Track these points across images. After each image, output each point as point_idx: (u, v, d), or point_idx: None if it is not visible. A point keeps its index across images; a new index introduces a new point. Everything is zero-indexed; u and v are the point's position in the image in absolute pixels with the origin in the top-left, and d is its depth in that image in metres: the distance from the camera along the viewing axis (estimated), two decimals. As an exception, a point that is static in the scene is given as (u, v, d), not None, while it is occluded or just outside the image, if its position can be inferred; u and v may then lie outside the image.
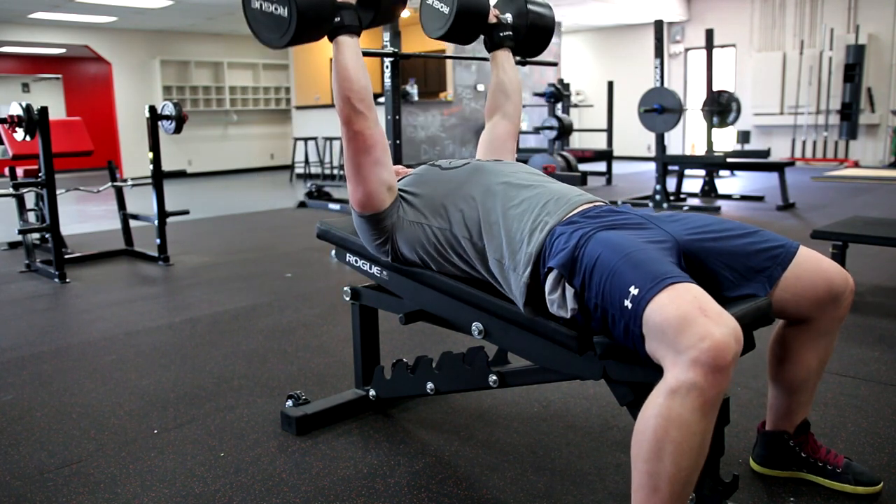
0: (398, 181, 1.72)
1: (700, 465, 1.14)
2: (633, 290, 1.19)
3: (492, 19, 2.00)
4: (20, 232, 4.09)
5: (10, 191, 4.09)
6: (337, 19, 1.54)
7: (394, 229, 1.64)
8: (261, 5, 1.51)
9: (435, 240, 1.58)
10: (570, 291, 1.32)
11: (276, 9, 1.48)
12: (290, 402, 2.04)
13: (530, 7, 2.04)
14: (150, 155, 4.44)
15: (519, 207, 1.48)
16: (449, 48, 9.66)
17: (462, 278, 1.62)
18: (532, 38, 2.07)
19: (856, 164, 10.01)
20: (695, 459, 1.12)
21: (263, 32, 1.54)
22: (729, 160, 6.97)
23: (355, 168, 1.59)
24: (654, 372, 1.19)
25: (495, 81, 2.04)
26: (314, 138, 10.00)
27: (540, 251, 1.40)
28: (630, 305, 1.19)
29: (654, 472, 1.12)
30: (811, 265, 1.44)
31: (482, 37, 2.05)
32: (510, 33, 2.02)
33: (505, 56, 2.03)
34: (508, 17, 2.03)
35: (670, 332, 1.11)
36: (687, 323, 1.10)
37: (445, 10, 1.91)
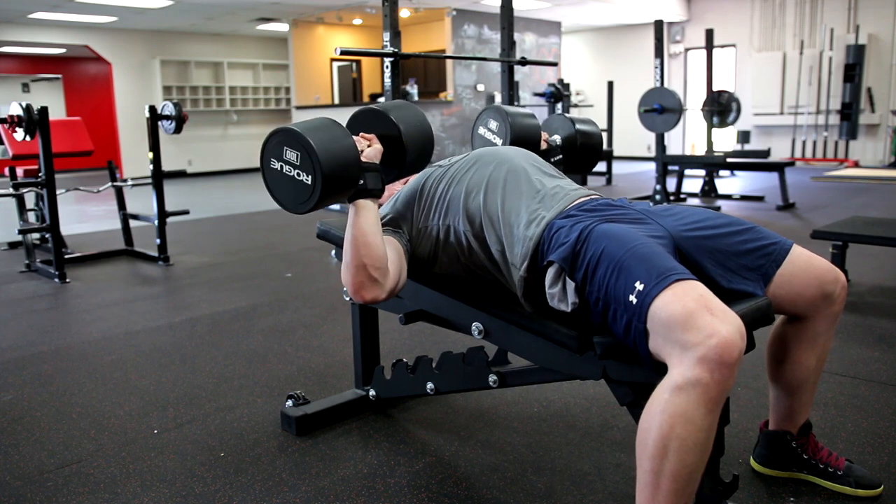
0: (398, 188, 1.72)
1: (705, 461, 1.14)
2: (639, 286, 1.19)
3: (542, 145, 1.97)
4: (20, 232, 4.09)
5: (10, 191, 4.09)
6: (361, 182, 1.44)
7: (412, 246, 1.63)
8: (282, 167, 1.39)
9: (442, 236, 1.58)
10: (570, 285, 1.32)
11: (297, 174, 1.36)
12: (290, 402, 2.04)
13: (578, 127, 2.03)
14: (150, 155, 4.44)
15: (517, 200, 1.48)
16: (449, 48, 9.66)
17: (463, 278, 1.62)
18: (581, 157, 2.05)
19: (856, 164, 10.01)
20: (700, 456, 1.12)
21: (283, 195, 1.41)
22: (729, 160, 6.97)
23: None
24: (654, 372, 1.19)
25: None
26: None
27: (537, 245, 1.40)
28: (635, 301, 1.19)
29: (658, 468, 1.12)
30: (804, 263, 1.45)
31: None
32: (561, 157, 2.00)
33: None
34: (557, 138, 2.01)
35: (676, 328, 1.12)
36: (693, 320, 1.10)
37: (499, 141, 1.91)
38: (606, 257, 1.26)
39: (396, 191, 1.76)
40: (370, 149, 1.51)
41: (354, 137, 1.49)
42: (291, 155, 1.37)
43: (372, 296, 1.43)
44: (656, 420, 1.12)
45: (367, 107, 1.61)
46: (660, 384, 1.14)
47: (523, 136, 1.88)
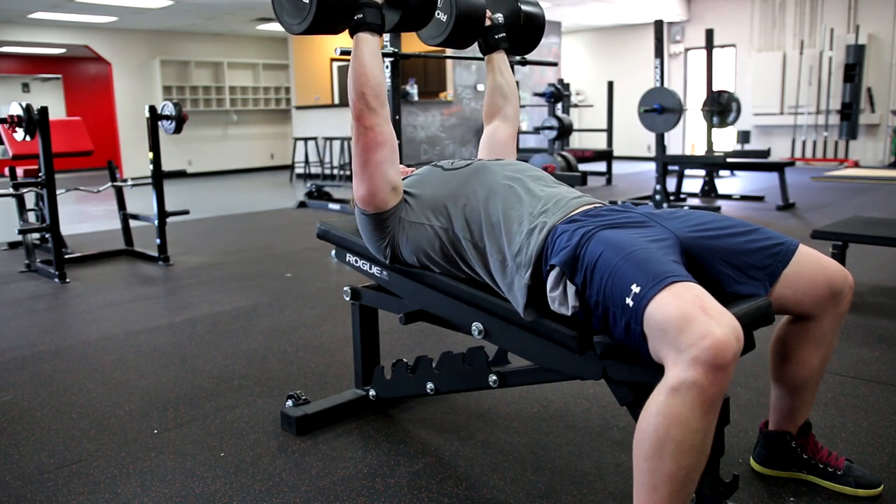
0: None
1: (702, 463, 1.14)
2: (635, 289, 1.19)
3: (486, 22, 1.98)
4: (20, 232, 4.09)
5: (10, 191, 4.09)
6: (359, 15, 1.54)
7: (396, 230, 1.63)
8: None
9: (437, 240, 1.58)
10: (571, 289, 1.32)
11: None
12: (290, 402, 2.04)
13: (522, 6, 2.03)
14: (150, 155, 4.43)
15: (519, 209, 1.48)
16: (448, 49, 9.66)
17: (462, 279, 1.62)
18: (525, 36, 2.07)
19: (856, 164, 10.01)
20: (696, 458, 1.12)
21: (285, 16, 1.56)
22: (729, 160, 6.97)
23: (362, 164, 1.58)
24: (654, 372, 1.19)
25: (492, 84, 2.03)
26: (314, 138, 9.99)
27: (541, 252, 1.40)
28: (631, 303, 1.19)
29: (655, 470, 1.12)
30: (811, 262, 1.44)
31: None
32: (504, 35, 2.01)
33: (501, 58, 2.03)
34: (500, 17, 2.01)
35: (671, 330, 1.12)
36: (688, 321, 1.10)
37: (443, 17, 1.90)
38: (605, 261, 1.26)
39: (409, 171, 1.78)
40: None
41: None
42: None
43: (370, 121, 1.55)
44: (652, 422, 1.12)
45: None
46: (657, 386, 1.14)
47: (469, 12, 1.89)
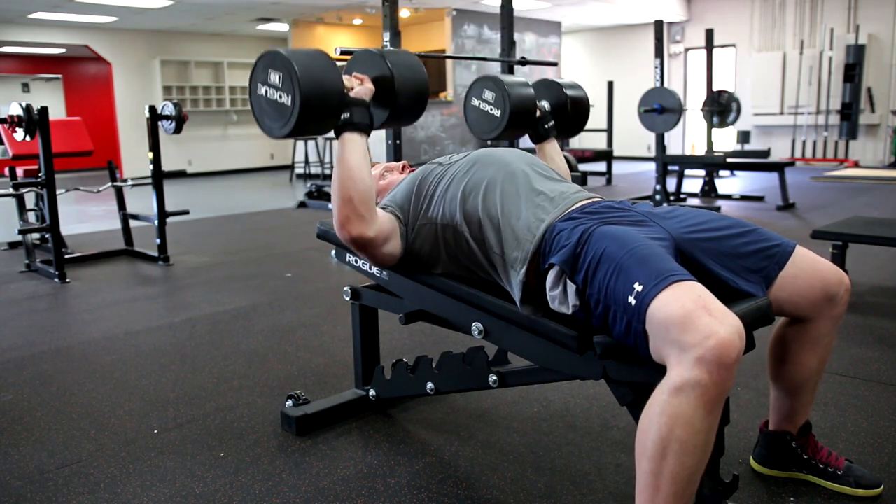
0: (399, 181, 1.71)
1: (704, 462, 1.14)
2: (637, 287, 1.19)
3: (536, 113, 1.98)
4: (20, 232, 4.09)
5: (10, 191, 4.09)
6: (346, 114, 1.46)
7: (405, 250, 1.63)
8: (266, 92, 1.43)
9: (439, 237, 1.58)
10: (571, 288, 1.32)
11: (280, 96, 1.40)
12: (290, 402, 2.04)
13: (567, 93, 2.04)
14: (150, 155, 4.43)
15: (516, 203, 1.48)
16: (449, 48, 9.66)
17: (463, 278, 1.62)
18: (573, 121, 2.08)
19: (856, 164, 10.01)
20: (699, 457, 1.12)
21: (265, 119, 1.45)
22: (729, 160, 6.97)
23: (363, 256, 1.56)
24: (654, 372, 1.19)
25: None
26: (314, 138, 10.00)
27: (537, 249, 1.40)
28: (634, 302, 1.19)
29: (658, 470, 1.12)
30: (807, 265, 1.44)
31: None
32: (553, 123, 2.01)
33: (552, 147, 2.03)
34: (545, 104, 2.02)
35: (674, 329, 1.11)
36: (691, 321, 1.10)
37: (497, 112, 1.91)
38: (606, 259, 1.26)
39: (396, 183, 1.76)
40: (361, 87, 1.52)
41: (346, 76, 1.52)
42: (275, 77, 1.40)
43: (358, 231, 1.45)
44: (655, 421, 1.11)
45: (367, 49, 1.62)
46: (659, 385, 1.14)
47: (521, 106, 1.89)
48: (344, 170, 1.45)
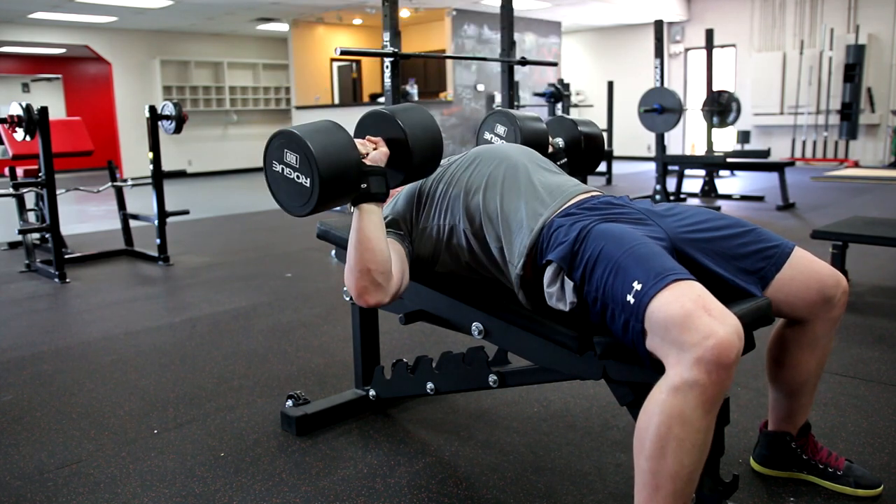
0: (402, 188, 1.71)
1: (702, 462, 1.14)
2: (637, 286, 1.18)
3: (549, 149, 1.97)
4: (20, 232, 4.09)
5: (10, 191, 4.09)
6: (363, 185, 1.43)
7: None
8: (283, 170, 1.40)
9: (441, 236, 1.58)
10: (569, 285, 1.32)
11: (297, 177, 1.38)
12: (290, 402, 2.04)
13: (581, 129, 2.02)
14: (150, 155, 4.44)
15: (516, 198, 1.48)
16: (449, 48, 9.67)
17: (464, 278, 1.62)
18: (586, 159, 2.05)
19: (856, 164, 10.01)
20: (697, 456, 1.12)
21: (284, 198, 1.42)
22: (729, 160, 6.97)
23: None
24: (654, 372, 1.19)
25: None
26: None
27: (534, 243, 1.40)
28: (632, 301, 1.19)
29: (656, 469, 1.12)
30: (805, 266, 1.44)
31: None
32: (566, 160, 1.99)
33: None
34: (560, 141, 2.00)
35: (674, 329, 1.11)
36: (691, 321, 1.10)
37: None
38: (605, 257, 1.26)
39: (396, 193, 1.76)
40: (376, 152, 1.48)
41: (360, 140, 1.48)
42: (291, 157, 1.38)
43: (376, 300, 1.43)
44: (654, 421, 1.12)
45: (376, 109, 1.59)
46: (657, 385, 1.14)
47: (533, 141, 1.87)
48: (362, 241, 1.41)
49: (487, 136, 1.97)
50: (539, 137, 1.90)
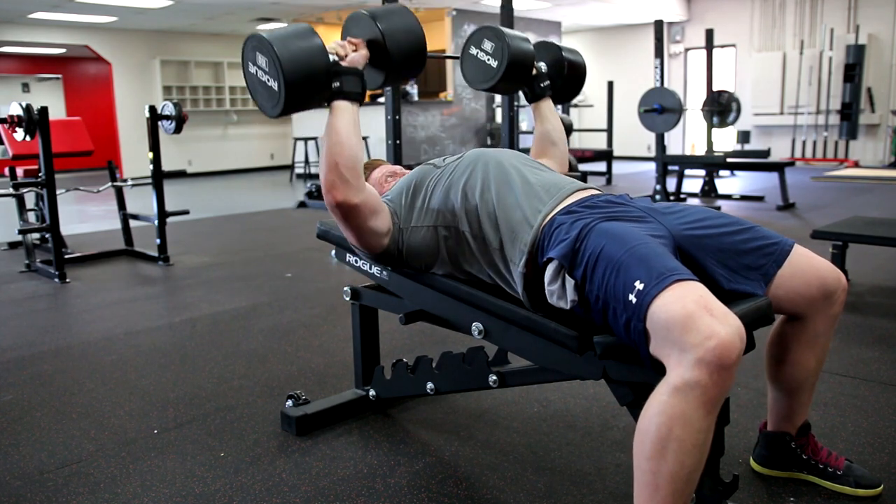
0: (396, 181, 1.71)
1: (703, 463, 1.14)
2: (639, 285, 1.18)
3: (532, 71, 1.97)
4: (20, 232, 4.09)
5: (10, 191, 4.09)
6: (336, 84, 1.45)
7: (397, 242, 1.60)
8: (256, 72, 1.45)
9: (437, 238, 1.58)
10: (570, 283, 1.32)
11: (268, 80, 1.42)
12: (290, 402, 2.04)
13: (565, 55, 2.03)
14: (150, 155, 4.44)
15: (513, 197, 1.48)
16: (449, 48, 9.67)
17: (463, 280, 1.62)
18: (568, 85, 2.07)
19: (856, 164, 10.01)
20: (698, 457, 1.12)
21: (259, 99, 1.48)
22: (729, 160, 6.98)
23: (345, 230, 1.54)
24: (654, 372, 1.19)
25: (541, 131, 2.01)
26: (314, 138, 10.00)
27: (535, 241, 1.40)
28: (634, 300, 1.19)
29: (657, 470, 1.12)
30: (805, 263, 1.44)
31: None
32: (548, 83, 2.00)
33: (547, 105, 2.02)
34: (543, 66, 2.01)
35: (675, 329, 1.11)
36: (692, 321, 1.10)
37: (493, 63, 1.88)
38: (606, 256, 1.26)
39: (392, 184, 1.77)
40: (355, 53, 1.51)
41: (340, 42, 1.51)
42: (262, 60, 1.43)
43: (343, 196, 1.44)
44: (654, 421, 1.11)
45: (358, 11, 1.60)
46: (658, 385, 1.14)
47: (519, 60, 1.87)
48: (332, 135, 1.45)
49: (473, 50, 1.94)
50: (526, 57, 1.90)
